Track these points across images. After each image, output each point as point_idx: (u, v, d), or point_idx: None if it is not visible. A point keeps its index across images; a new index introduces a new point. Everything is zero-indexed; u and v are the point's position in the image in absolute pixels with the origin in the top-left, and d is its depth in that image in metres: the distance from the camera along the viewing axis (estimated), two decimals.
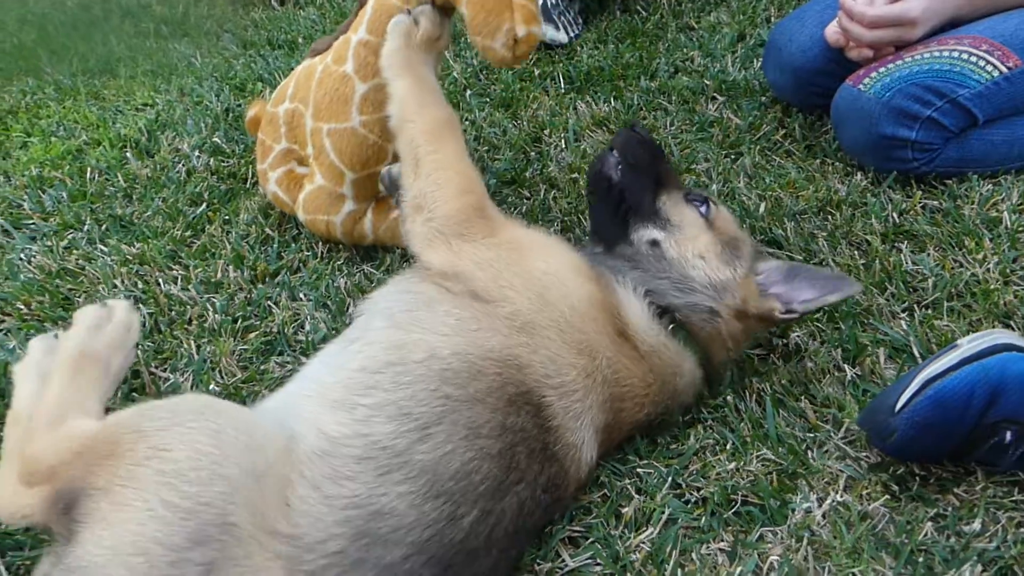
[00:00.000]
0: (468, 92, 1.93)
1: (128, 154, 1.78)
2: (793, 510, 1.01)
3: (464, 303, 1.01)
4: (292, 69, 2.08)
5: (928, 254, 1.39)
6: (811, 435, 1.11)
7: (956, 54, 1.47)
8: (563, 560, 0.98)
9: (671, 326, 1.10)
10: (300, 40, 2.28)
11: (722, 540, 0.99)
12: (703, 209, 1.20)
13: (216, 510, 0.81)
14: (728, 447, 1.09)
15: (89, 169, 1.73)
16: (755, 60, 2.00)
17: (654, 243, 1.17)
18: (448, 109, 1.20)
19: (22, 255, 1.49)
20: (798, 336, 1.25)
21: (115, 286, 1.40)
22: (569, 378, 0.98)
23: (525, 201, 1.57)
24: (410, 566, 0.83)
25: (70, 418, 0.96)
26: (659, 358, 1.07)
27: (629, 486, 1.05)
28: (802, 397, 1.16)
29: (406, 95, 1.18)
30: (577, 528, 1.01)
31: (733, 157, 1.68)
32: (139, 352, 1.25)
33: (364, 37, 1.30)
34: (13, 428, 1.00)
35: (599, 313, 1.05)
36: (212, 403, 0.92)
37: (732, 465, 1.07)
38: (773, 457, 1.08)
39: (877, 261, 1.37)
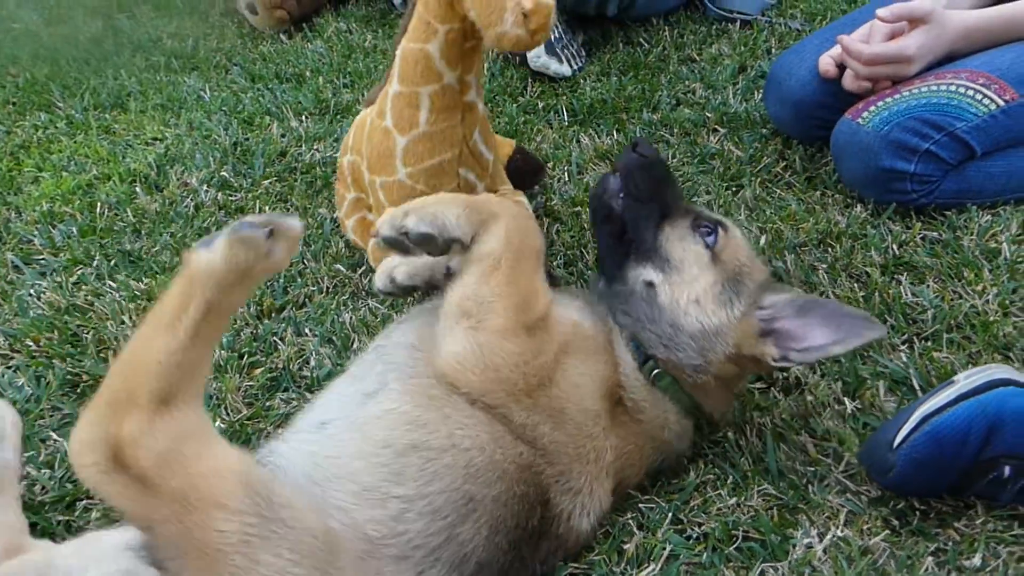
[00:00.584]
0: None
1: (138, 188, 1.81)
2: (794, 545, 1.02)
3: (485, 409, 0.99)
4: (300, 102, 2.13)
5: (927, 286, 1.40)
6: (811, 469, 1.12)
7: (954, 88, 1.49)
8: None
9: (654, 373, 1.07)
10: (307, 73, 2.31)
11: None
12: (710, 240, 1.12)
13: None
14: (729, 482, 1.10)
15: (99, 204, 1.76)
16: (756, 92, 2.02)
17: (649, 285, 1.11)
18: None
19: (32, 291, 1.51)
20: (798, 370, 1.26)
21: (123, 322, 1.42)
22: (580, 483, 1.00)
23: None
24: None
25: None
26: (645, 414, 1.06)
27: (631, 522, 1.06)
28: (802, 431, 1.17)
29: None
30: (580, 566, 1.02)
31: (734, 189, 1.70)
32: None
33: (397, 89, 1.31)
34: None
35: (606, 401, 1.04)
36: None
37: (733, 500, 1.07)
38: (774, 492, 1.08)
39: (877, 293, 1.38)
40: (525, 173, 1.64)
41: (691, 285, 1.09)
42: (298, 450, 0.96)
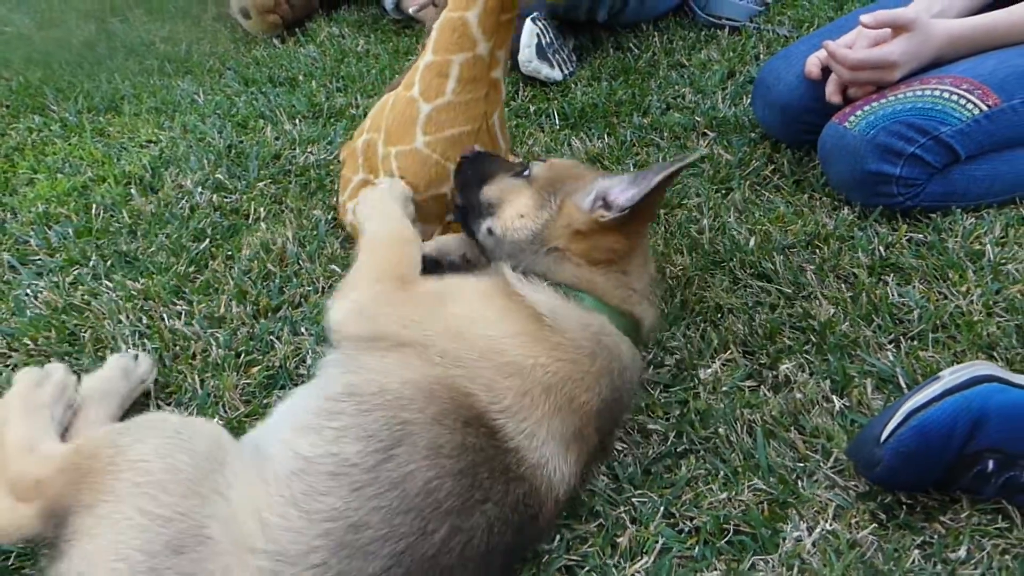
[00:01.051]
0: None
1: (132, 190, 1.82)
2: (784, 539, 1.04)
3: (396, 349, 1.06)
4: (293, 105, 2.14)
5: (914, 287, 1.43)
6: (801, 465, 1.14)
7: (938, 93, 1.53)
8: None
9: (546, 286, 1.12)
10: (301, 77, 2.32)
11: (715, 569, 1.02)
12: (524, 173, 1.28)
13: (192, 522, 0.87)
14: (720, 477, 1.12)
15: (94, 206, 1.77)
16: (744, 97, 2.05)
17: (489, 231, 1.24)
18: None
19: (28, 291, 1.52)
20: (787, 368, 1.29)
21: (120, 321, 1.43)
22: (508, 401, 1.00)
23: None
24: None
25: (39, 444, 1.05)
26: (562, 323, 1.07)
27: (624, 515, 1.08)
28: (792, 428, 1.19)
29: None
30: (573, 557, 1.04)
31: (724, 192, 1.73)
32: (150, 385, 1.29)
33: (430, 59, 1.36)
34: None
35: (513, 324, 1.07)
36: (189, 422, 1.01)
37: (724, 495, 1.09)
38: (764, 487, 1.11)
39: (864, 294, 1.41)
40: None
41: (512, 207, 1.23)
42: (254, 431, 1.10)
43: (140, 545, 0.85)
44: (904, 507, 1.07)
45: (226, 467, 0.93)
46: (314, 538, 0.87)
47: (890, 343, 1.34)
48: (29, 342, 1.39)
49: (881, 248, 1.52)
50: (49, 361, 1.35)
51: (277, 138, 2.01)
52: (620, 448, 1.19)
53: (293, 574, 0.85)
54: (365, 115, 2.04)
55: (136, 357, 1.29)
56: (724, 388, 1.26)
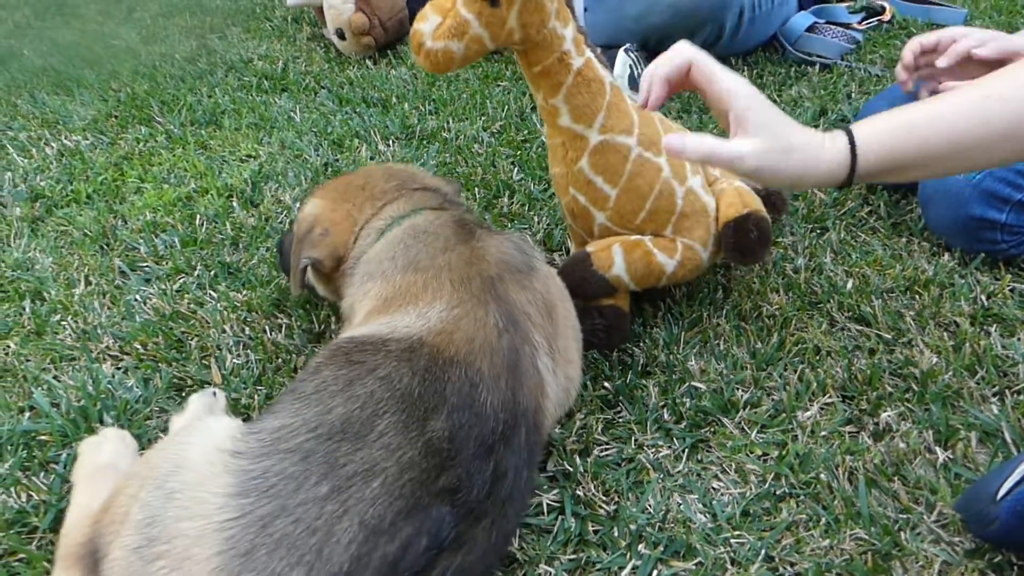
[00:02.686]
0: None
1: (234, 203, 1.89)
2: None
3: None
4: (386, 126, 2.20)
5: (1019, 339, 1.39)
6: (904, 516, 1.12)
7: None
8: None
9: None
10: (393, 99, 2.38)
11: None
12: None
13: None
14: (821, 523, 1.11)
15: (198, 216, 1.84)
16: None
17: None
18: None
19: (138, 296, 1.58)
20: (888, 416, 1.27)
21: (224, 331, 1.48)
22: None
23: None
24: None
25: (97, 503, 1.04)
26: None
27: (723, 556, 1.07)
28: (894, 477, 1.17)
29: None
30: None
31: (818, 232, 1.71)
32: (252, 396, 1.32)
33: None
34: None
35: None
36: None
37: (826, 542, 1.08)
38: (866, 536, 1.09)
39: (967, 344, 1.38)
40: (744, 248, 1.39)
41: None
42: None
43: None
44: (1015, 568, 1.04)
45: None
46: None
47: (994, 396, 1.31)
48: (139, 346, 1.45)
49: (983, 297, 1.49)
50: (158, 366, 1.41)
51: (372, 157, 2.06)
52: (716, 487, 1.18)
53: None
54: (457, 138, 2.10)
55: (215, 393, 1.31)
56: (823, 432, 1.24)
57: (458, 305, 1.08)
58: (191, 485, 0.86)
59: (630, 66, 2.16)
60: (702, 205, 1.40)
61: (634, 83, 2.16)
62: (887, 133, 0.97)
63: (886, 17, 2.78)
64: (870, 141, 0.97)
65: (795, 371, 1.36)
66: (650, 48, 2.30)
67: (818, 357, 1.39)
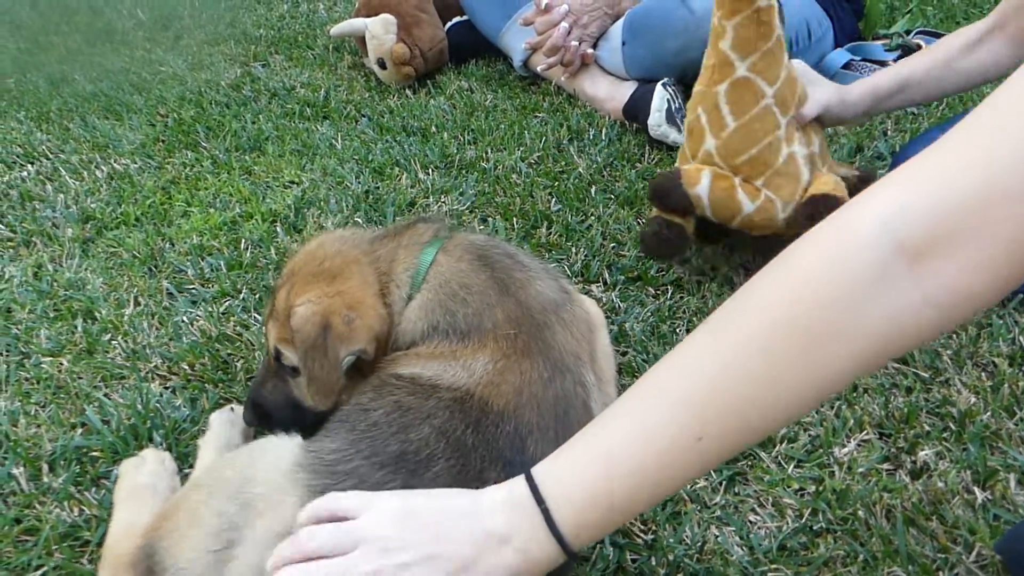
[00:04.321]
0: (593, 188, 2.04)
1: (278, 228, 1.94)
2: None
3: None
4: (426, 155, 2.24)
5: None
6: (942, 556, 1.12)
7: None
8: None
9: None
10: (433, 128, 2.43)
11: None
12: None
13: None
14: (859, 560, 1.11)
15: (243, 240, 1.89)
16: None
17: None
18: None
19: (185, 318, 1.63)
20: (926, 455, 1.27)
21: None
22: None
23: (651, 300, 1.63)
24: None
25: (138, 521, 1.08)
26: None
27: None
28: (932, 517, 1.17)
29: None
30: None
31: None
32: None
33: None
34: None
35: None
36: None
37: None
38: (904, 575, 1.09)
39: (1005, 384, 1.38)
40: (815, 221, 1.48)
41: None
42: None
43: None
44: None
45: None
46: None
47: None
48: (186, 367, 1.49)
49: (1021, 338, 1.49)
50: (205, 387, 1.45)
51: (412, 186, 2.10)
52: (753, 520, 1.19)
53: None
54: (495, 168, 2.14)
55: (232, 409, 1.34)
56: (861, 469, 1.25)
57: (502, 359, 1.07)
58: (262, 496, 0.90)
59: (668, 100, 2.19)
60: (796, 170, 1.53)
61: (671, 117, 2.19)
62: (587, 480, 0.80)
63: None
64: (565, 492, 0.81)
65: (831, 407, 1.37)
66: (688, 82, 2.33)
67: (855, 394, 1.39)
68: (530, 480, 0.81)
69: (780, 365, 0.74)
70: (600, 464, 0.79)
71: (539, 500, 0.79)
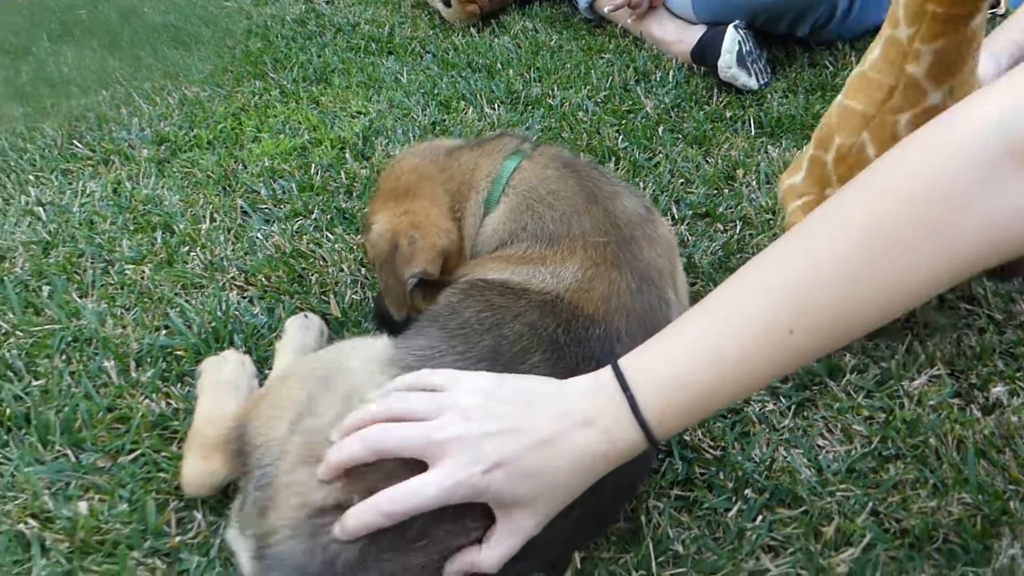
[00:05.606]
0: (661, 128, 2.03)
1: (347, 154, 1.96)
2: (997, 555, 1.03)
3: None
4: (492, 91, 2.24)
5: None
6: (1012, 488, 1.12)
7: None
8: (763, 564, 1.03)
9: None
10: (498, 66, 2.43)
11: (923, 572, 1.02)
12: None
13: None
14: (928, 485, 1.12)
15: (313, 165, 1.92)
16: None
17: None
18: None
19: (259, 234, 1.67)
20: (999, 392, 1.26)
21: (342, 270, 1.55)
22: None
23: (720, 235, 1.63)
24: None
25: (219, 411, 1.13)
26: None
27: (829, 506, 1.09)
28: (1005, 450, 1.17)
29: None
30: (776, 538, 1.06)
31: None
32: (367, 331, 1.39)
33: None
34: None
35: None
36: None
37: (933, 503, 1.09)
38: (973, 502, 1.10)
39: None
40: None
41: None
42: None
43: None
44: None
45: None
46: None
47: None
48: (263, 278, 1.53)
49: None
50: (280, 297, 1.49)
51: (478, 119, 2.11)
52: (822, 444, 1.20)
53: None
54: (562, 105, 2.13)
55: (306, 316, 1.38)
56: (931, 402, 1.25)
57: (591, 267, 1.08)
58: (356, 385, 0.93)
59: (739, 42, 2.16)
60: None
61: (742, 60, 2.16)
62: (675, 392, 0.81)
63: (1001, 10, 2.70)
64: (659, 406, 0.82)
65: (903, 343, 1.36)
66: (758, 26, 2.30)
67: (927, 331, 1.39)
68: (616, 368, 0.83)
69: (877, 261, 0.74)
70: (686, 354, 0.81)
71: (624, 387, 0.81)
